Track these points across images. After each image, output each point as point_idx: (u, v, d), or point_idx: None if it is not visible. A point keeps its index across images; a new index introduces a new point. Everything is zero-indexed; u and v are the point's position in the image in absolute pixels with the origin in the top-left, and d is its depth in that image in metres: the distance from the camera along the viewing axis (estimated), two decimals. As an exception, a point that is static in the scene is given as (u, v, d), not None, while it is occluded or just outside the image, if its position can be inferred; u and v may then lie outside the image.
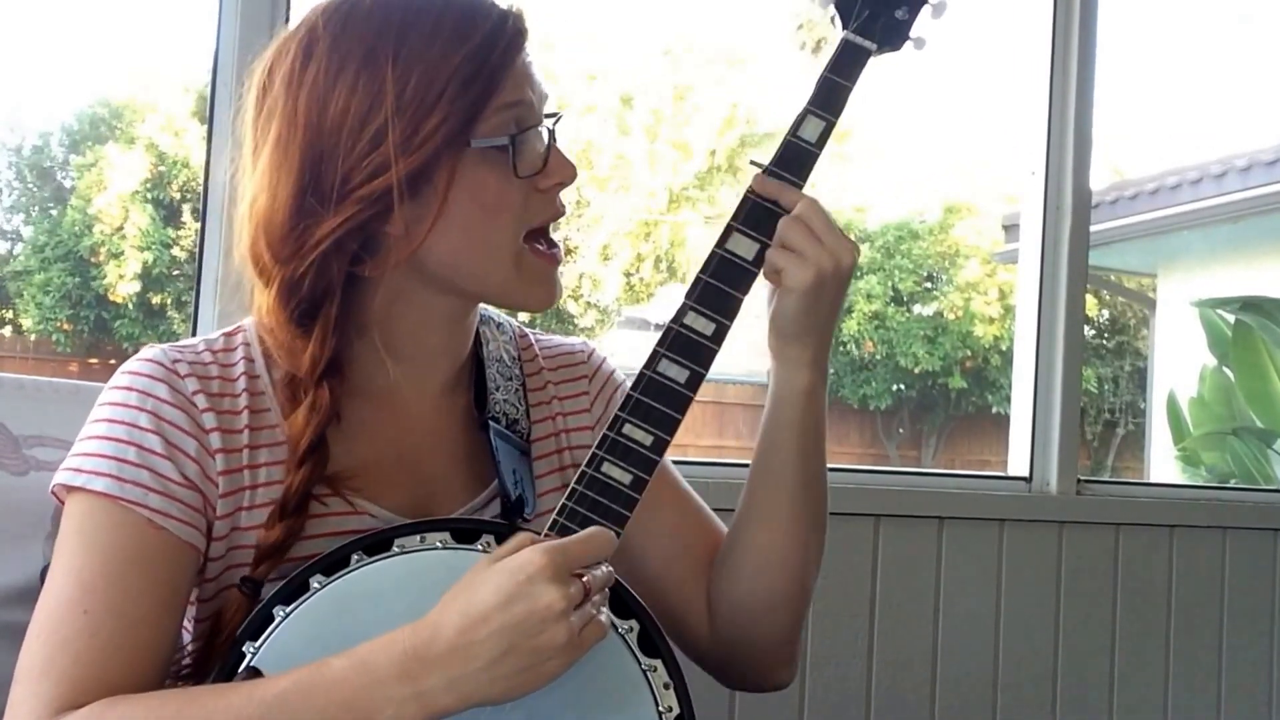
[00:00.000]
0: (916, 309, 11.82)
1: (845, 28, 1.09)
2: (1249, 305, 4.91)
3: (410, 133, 0.98)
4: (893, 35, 1.10)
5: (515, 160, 1.01)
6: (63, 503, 1.00)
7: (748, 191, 1.07)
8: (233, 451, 1.02)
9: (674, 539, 1.16)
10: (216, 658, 0.98)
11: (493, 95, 1.01)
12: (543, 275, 1.07)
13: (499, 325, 1.20)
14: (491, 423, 1.10)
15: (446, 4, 1.02)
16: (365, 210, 0.99)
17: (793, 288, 1.05)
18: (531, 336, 1.23)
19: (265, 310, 1.03)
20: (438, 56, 0.99)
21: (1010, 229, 8.35)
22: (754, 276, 1.05)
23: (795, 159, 1.07)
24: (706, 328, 1.03)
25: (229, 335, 1.09)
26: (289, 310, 1.02)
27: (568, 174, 1.06)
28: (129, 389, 1.01)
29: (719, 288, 1.04)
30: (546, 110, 1.07)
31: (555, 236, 1.09)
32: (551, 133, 1.06)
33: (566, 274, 10.62)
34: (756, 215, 1.06)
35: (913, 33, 1.11)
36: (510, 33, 1.03)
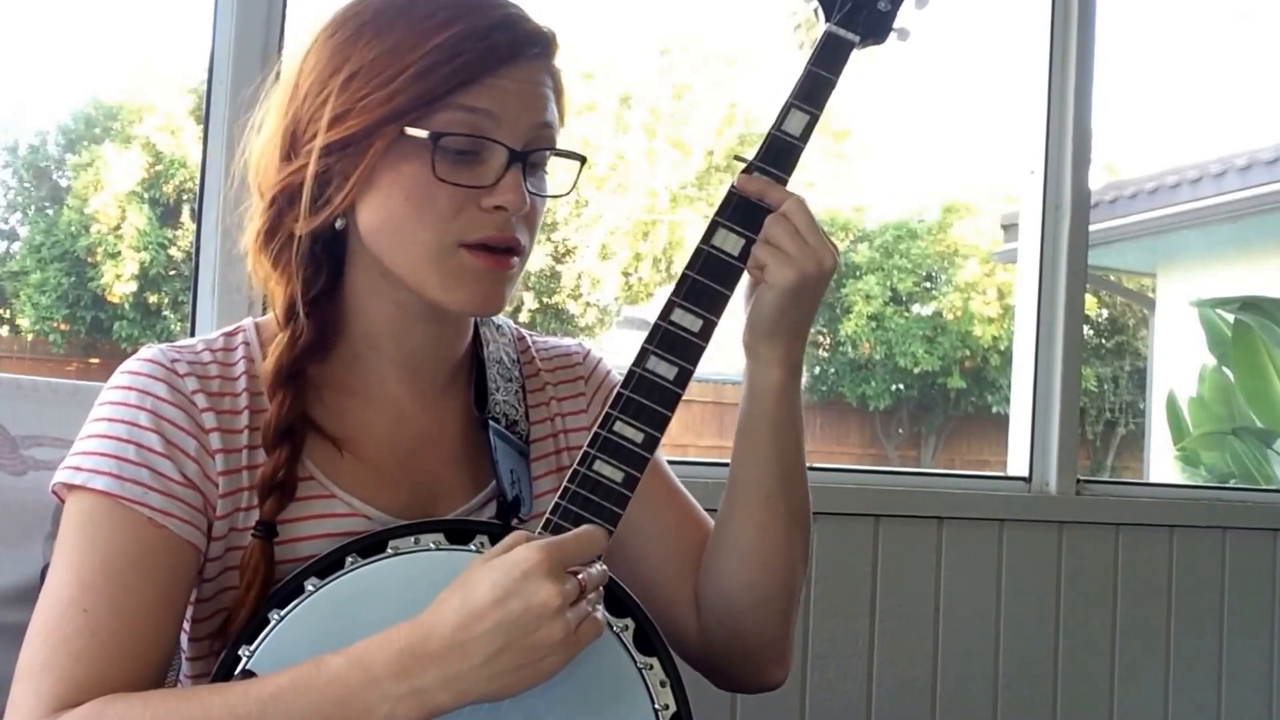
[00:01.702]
0: (915, 309, 11.81)
1: (828, 20, 1.09)
2: (1248, 305, 4.92)
3: (352, 102, 1.00)
4: (876, 27, 1.09)
5: (434, 161, 0.99)
6: (63, 501, 1.00)
7: (733, 187, 1.06)
8: (232, 451, 1.02)
9: (665, 538, 1.16)
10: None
11: (453, 91, 0.99)
12: (470, 276, 1.02)
13: (499, 327, 1.20)
14: (491, 423, 1.10)
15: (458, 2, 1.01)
16: (309, 166, 1.01)
17: (773, 285, 1.05)
18: (529, 338, 1.23)
19: (249, 246, 1.08)
20: (412, 38, 0.99)
21: (1009, 228, 8.34)
22: (740, 272, 1.05)
23: (780, 153, 1.06)
24: (694, 324, 1.03)
25: (229, 335, 1.09)
26: (267, 250, 1.07)
27: (510, 201, 1.00)
28: (128, 388, 1.02)
29: (706, 284, 1.04)
30: (558, 147, 1.06)
31: (520, 244, 1.04)
32: (521, 158, 1.02)
33: (565, 274, 10.63)
34: (742, 211, 1.05)
35: (896, 24, 1.10)
36: (506, 41, 1.01)
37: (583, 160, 1.09)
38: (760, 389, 1.10)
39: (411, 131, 0.99)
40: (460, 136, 1.00)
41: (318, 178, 1.02)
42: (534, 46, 1.03)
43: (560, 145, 1.07)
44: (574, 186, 1.10)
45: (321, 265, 1.06)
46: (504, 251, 1.03)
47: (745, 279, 1.07)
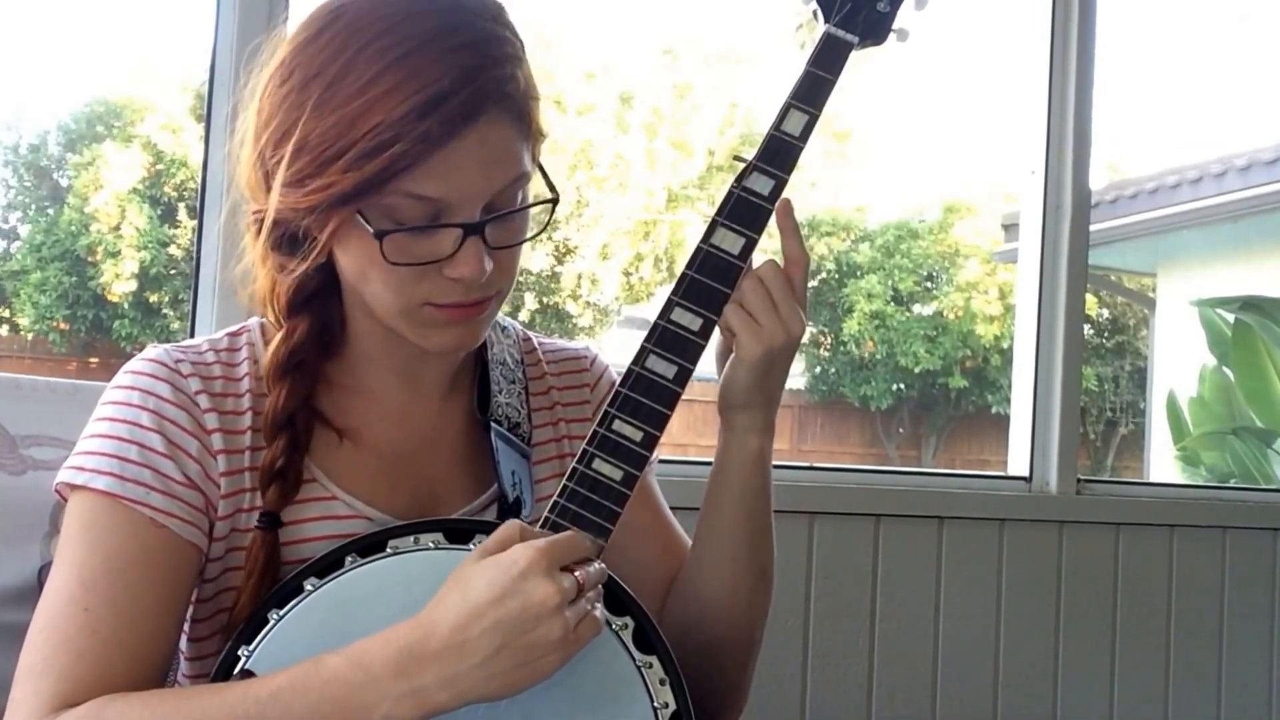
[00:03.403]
0: (916, 308, 11.81)
1: (827, 21, 1.08)
2: (1249, 305, 4.92)
3: (301, 175, 0.95)
4: (875, 28, 1.09)
5: (383, 251, 0.95)
6: (66, 501, 1.00)
7: (733, 186, 1.06)
8: (235, 452, 1.02)
9: (641, 571, 1.15)
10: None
11: (395, 178, 0.93)
12: (443, 324, 1.01)
13: (504, 329, 1.20)
14: (494, 425, 1.10)
15: (405, 53, 0.93)
16: (269, 215, 0.98)
17: (743, 359, 1.05)
18: (535, 340, 1.23)
19: (248, 242, 1.06)
20: (354, 108, 0.92)
21: (1010, 228, 8.34)
22: (740, 271, 1.05)
23: (779, 153, 1.06)
24: (694, 323, 1.03)
25: (233, 335, 1.09)
26: (262, 244, 1.03)
27: (467, 273, 0.96)
28: (131, 388, 1.02)
29: (705, 283, 1.03)
30: (526, 190, 1.01)
31: (491, 296, 1.02)
32: (478, 230, 0.96)
33: (565, 274, 10.63)
34: (742, 210, 1.05)
35: (895, 25, 1.10)
36: (450, 117, 0.92)
37: (555, 201, 1.03)
38: (736, 457, 1.10)
39: (360, 219, 0.95)
40: (405, 229, 0.96)
41: (287, 224, 0.98)
42: (485, 107, 0.94)
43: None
44: (544, 228, 1.05)
45: (313, 276, 1.04)
46: (474, 304, 1.01)
47: (715, 338, 1.06)
